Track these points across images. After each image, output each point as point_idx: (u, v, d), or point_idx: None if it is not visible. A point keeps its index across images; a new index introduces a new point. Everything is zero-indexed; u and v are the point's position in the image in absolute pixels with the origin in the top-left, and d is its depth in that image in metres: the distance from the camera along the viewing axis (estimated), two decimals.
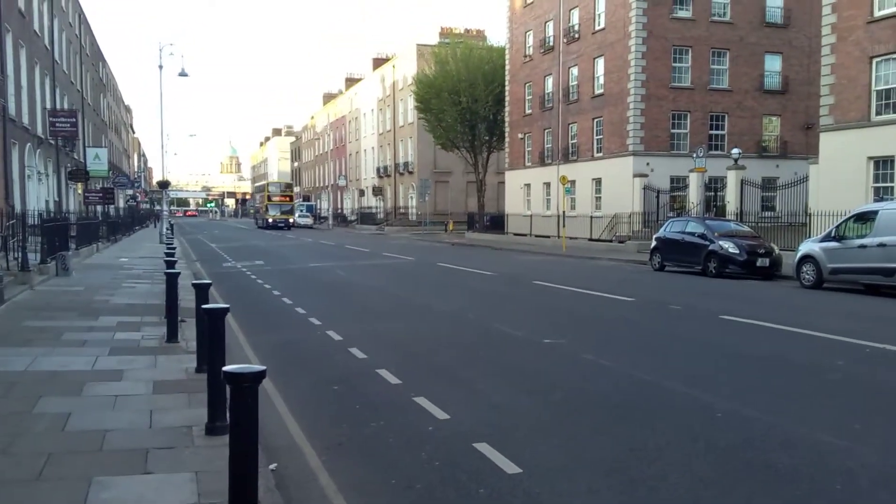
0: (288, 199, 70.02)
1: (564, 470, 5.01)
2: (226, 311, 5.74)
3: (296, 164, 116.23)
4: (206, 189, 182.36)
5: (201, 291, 7.50)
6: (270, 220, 65.82)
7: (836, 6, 23.91)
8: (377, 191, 72.97)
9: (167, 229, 35.65)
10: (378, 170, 72.93)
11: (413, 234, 51.31)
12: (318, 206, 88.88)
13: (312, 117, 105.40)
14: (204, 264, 23.80)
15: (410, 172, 64.47)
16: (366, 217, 70.07)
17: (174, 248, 17.46)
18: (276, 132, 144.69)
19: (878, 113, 22.86)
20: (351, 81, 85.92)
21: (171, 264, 11.22)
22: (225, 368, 3.61)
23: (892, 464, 5.09)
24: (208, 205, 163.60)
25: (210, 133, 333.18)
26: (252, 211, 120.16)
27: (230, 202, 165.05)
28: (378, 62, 75.83)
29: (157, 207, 68.58)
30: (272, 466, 4.96)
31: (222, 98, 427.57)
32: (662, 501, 4.50)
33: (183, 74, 38.85)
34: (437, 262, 24.65)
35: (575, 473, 4.95)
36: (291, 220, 67.09)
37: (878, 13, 22.61)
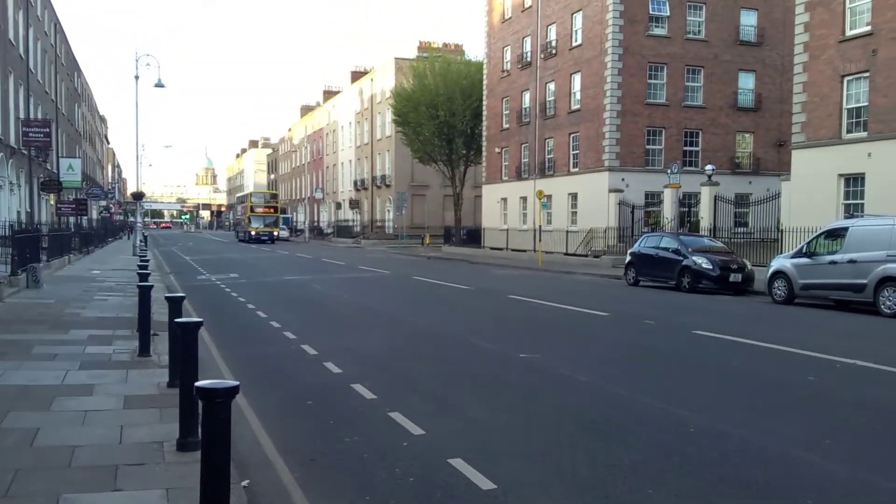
0: (272, 210, 65.42)
1: (540, 486, 5.00)
2: (199, 324, 5.69)
3: (272, 176, 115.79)
4: (181, 201, 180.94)
5: (174, 305, 7.42)
6: (253, 233, 61.17)
7: (809, 25, 24.37)
8: (354, 204, 72.86)
9: (141, 241, 35.34)
10: (355, 183, 72.86)
11: (390, 247, 51.24)
12: (295, 219, 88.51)
13: (290, 129, 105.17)
14: (178, 277, 23.57)
15: (388, 185, 64.47)
16: (342, 230, 69.85)
17: (147, 261, 17.29)
18: (253, 144, 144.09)
19: (848, 131, 23.27)
20: (329, 94, 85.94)
21: (143, 277, 11.10)
22: (197, 384, 3.57)
23: (860, 478, 5.15)
24: (183, 217, 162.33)
25: (186, 144, 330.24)
26: (228, 223, 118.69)
27: (205, 214, 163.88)
28: (356, 75, 75.91)
29: (131, 219, 67.56)
30: (244, 483, 4.90)
31: (199, 109, 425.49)
32: None
33: (159, 85, 38.52)
34: (414, 276, 24.63)
35: (550, 489, 4.94)
36: (276, 233, 62.68)
37: (849, 32, 23.07)
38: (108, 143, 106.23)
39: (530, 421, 6.66)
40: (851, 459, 5.58)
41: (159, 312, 10.80)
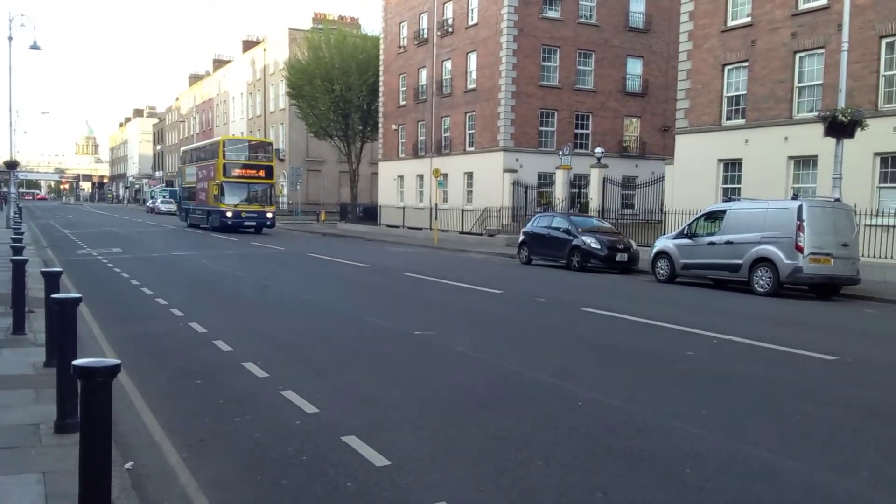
0: (263, 173, 38.04)
1: (433, 461, 5.05)
2: (78, 300, 5.43)
3: (158, 146, 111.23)
4: (60, 171, 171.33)
5: (51, 280, 7.05)
6: (229, 215, 35.69)
7: (694, 14, 25.36)
8: None
9: (15, 213, 33.29)
10: None
11: (284, 223, 50.26)
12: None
13: (178, 99, 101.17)
14: (55, 251, 22.35)
15: (281, 160, 62.99)
16: None
17: (22, 233, 16.32)
18: (138, 113, 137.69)
19: (728, 118, 24.46)
20: (219, 63, 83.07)
21: (18, 250, 10.48)
22: (75, 362, 3.42)
23: (734, 448, 5.46)
24: (63, 189, 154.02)
25: (65, 112, 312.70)
26: (111, 195, 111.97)
27: (86, 185, 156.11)
28: (248, 45, 73.66)
29: (4, 189, 63.34)
30: (128, 465, 4.72)
31: (80, 75, 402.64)
32: (528, 488, 4.62)
33: (35, 48, 36.19)
34: (308, 253, 24.28)
35: (443, 464, 5.00)
36: (270, 214, 37.32)
37: (731, 23, 24.17)
38: None
39: (424, 397, 6.70)
40: (727, 429, 5.90)
41: (35, 288, 10.24)
